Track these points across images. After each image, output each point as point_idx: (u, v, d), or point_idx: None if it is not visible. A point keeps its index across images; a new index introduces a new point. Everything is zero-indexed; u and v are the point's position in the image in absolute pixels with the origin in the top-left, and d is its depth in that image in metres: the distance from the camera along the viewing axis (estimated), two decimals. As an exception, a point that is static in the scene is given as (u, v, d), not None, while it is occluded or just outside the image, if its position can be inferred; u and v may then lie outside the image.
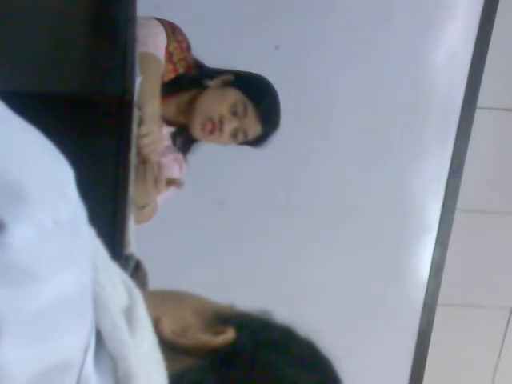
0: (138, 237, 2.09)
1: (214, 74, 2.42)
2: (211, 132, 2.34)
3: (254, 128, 2.39)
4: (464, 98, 3.51)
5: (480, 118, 3.55)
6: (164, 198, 2.38)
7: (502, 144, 3.64)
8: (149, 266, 2.10)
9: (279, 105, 2.47)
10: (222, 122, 2.33)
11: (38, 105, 0.84)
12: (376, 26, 3.39)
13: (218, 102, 2.34)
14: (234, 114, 2.34)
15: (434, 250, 3.80)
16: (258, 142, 2.48)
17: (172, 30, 2.28)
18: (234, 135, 2.38)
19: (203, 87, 2.37)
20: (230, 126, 2.34)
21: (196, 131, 2.36)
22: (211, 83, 2.37)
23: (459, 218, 3.75)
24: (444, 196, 3.71)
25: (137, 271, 1.94)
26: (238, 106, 2.34)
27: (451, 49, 3.46)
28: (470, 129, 3.56)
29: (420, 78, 3.51)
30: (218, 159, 2.77)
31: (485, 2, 3.38)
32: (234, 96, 2.35)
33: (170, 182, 2.20)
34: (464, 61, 3.47)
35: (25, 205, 0.57)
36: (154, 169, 2.08)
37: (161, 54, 2.21)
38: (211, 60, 2.46)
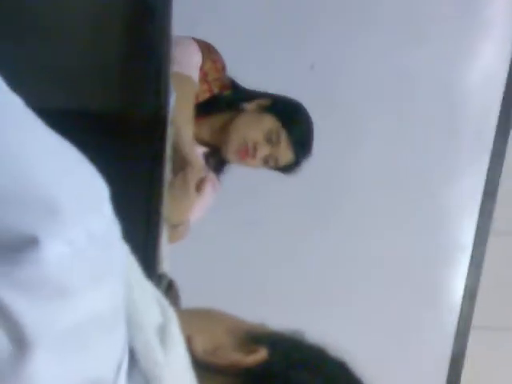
0: (170, 257, 2.10)
1: (250, 96, 2.42)
2: (243, 157, 2.34)
3: (286, 155, 2.39)
4: (499, 119, 3.49)
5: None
6: (197, 215, 2.38)
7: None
8: (180, 285, 2.11)
9: (313, 133, 2.46)
10: (255, 149, 2.33)
11: (72, 122, 0.85)
12: (409, 47, 3.39)
13: (254, 128, 2.33)
14: (268, 140, 2.34)
15: (468, 272, 3.76)
16: (289, 169, 2.47)
17: (207, 49, 2.29)
18: (265, 161, 2.38)
19: (238, 110, 2.37)
20: (262, 152, 2.34)
21: (229, 154, 2.36)
22: (248, 107, 2.37)
23: (493, 240, 3.71)
24: (478, 218, 3.68)
25: (169, 290, 1.94)
26: (273, 133, 2.33)
27: (485, 70, 3.45)
28: (505, 150, 3.53)
29: (454, 100, 3.49)
30: (248, 180, 2.76)
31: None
32: (269, 123, 2.34)
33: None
34: (498, 82, 3.44)
35: (59, 220, 0.58)
36: (196, 173, 2.07)
37: (195, 73, 2.21)
38: (245, 79, 2.46)
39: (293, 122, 2.39)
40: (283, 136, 2.34)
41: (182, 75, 2.13)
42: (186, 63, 2.17)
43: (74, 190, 0.61)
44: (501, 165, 3.56)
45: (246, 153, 2.33)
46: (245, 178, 2.65)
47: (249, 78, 2.44)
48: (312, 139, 2.47)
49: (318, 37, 3.32)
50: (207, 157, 2.46)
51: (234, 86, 2.46)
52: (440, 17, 3.38)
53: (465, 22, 3.40)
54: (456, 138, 3.55)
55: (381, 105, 3.45)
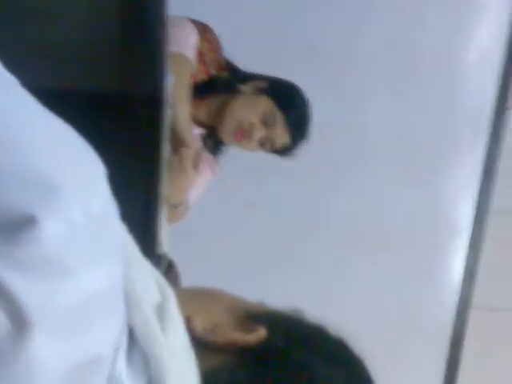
0: (170, 237, 2.10)
1: (247, 78, 2.42)
2: (240, 139, 2.34)
3: (282, 138, 2.39)
4: (496, 99, 3.48)
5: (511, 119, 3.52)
6: (196, 195, 2.38)
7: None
8: (180, 266, 2.11)
9: (310, 116, 2.46)
10: (251, 131, 2.33)
11: (69, 102, 0.85)
12: (407, 25, 3.38)
13: (250, 110, 2.34)
14: (264, 123, 2.34)
15: (467, 252, 3.77)
16: (285, 151, 2.48)
17: (203, 30, 2.29)
18: (261, 144, 2.38)
19: (235, 92, 2.36)
20: (258, 134, 2.35)
21: (225, 136, 2.36)
22: (244, 88, 2.37)
23: (492, 221, 3.71)
24: (477, 198, 3.68)
25: (169, 271, 1.94)
26: (269, 115, 2.34)
27: (482, 50, 3.44)
28: (504, 130, 3.53)
29: (452, 79, 3.49)
30: (247, 161, 2.76)
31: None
32: (265, 105, 2.34)
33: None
34: (495, 62, 3.44)
35: (56, 199, 0.58)
36: (193, 153, 2.08)
37: (192, 53, 2.21)
38: (242, 60, 2.45)
39: (289, 104, 2.39)
40: (279, 118, 2.35)
41: (179, 55, 2.13)
42: (183, 43, 2.17)
43: (71, 169, 0.61)
44: (499, 144, 3.56)
45: (242, 135, 2.33)
46: (244, 159, 2.65)
47: (246, 59, 2.43)
48: (309, 122, 2.47)
49: (316, 17, 3.31)
50: (204, 138, 2.46)
51: (230, 67, 2.46)
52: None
53: (462, 3, 3.39)
54: (453, 118, 3.55)
55: (379, 86, 3.45)
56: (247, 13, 3.28)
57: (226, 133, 2.35)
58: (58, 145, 0.62)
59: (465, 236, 3.74)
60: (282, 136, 2.38)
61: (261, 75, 2.45)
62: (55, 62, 1.35)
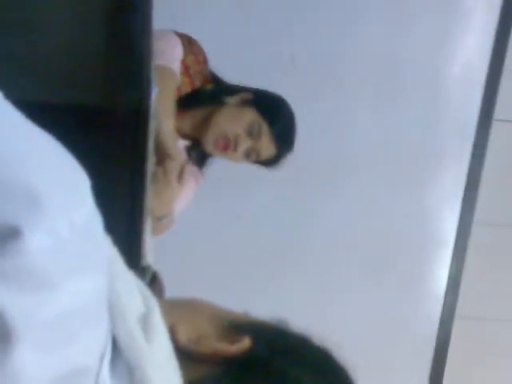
0: (154, 249, 2.10)
1: (232, 90, 2.42)
2: (225, 149, 2.34)
3: (268, 149, 2.40)
4: (481, 110, 3.50)
5: (497, 130, 3.53)
6: (180, 207, 2.38)
7: (518, 156, 3.63)
8: (165, 278, 2.11)
9: (295, 128, 2.47)
10: (236, 142, 2.33)
11: (54, 115, 0.85)
12: (392, 36, 3.39)
13: (235, 121, 2.34)
14: (249, 134, 2.34)
15: (451, 263, 3.78)
16: (271, 162, 2.48)
17: (189, 42, 2.29)
18: (246, 155, 2.38)
19: (220, 104, 2.37)
20: (244, 145, 2.34)
21: (209, 147, 2.36)
22: (229, 100, 2.37)
23: (476, 232, 3.73)
24: (461, 209, 3.69)
25: (153, 282, 1.94)
26: (254, 126, 2.34)
27: (467, 61, 3.46)
28: (487, 141, 3.55)
29: (436, 91, 3.50)
30: (232, 174, 2.77)
31: (501, 13, 3.37)
32: (250, 116, 2.34)
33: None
34: (480, 73, 3.46)
35: (41, 211, 0.58)
36: (177, 165, 2.07)
37: (177, 66, 2.21)
38: (225, 71, 2.46)
39: (274, 115, 2.40)
40: (264, 129, 2.35)
41: (164, 68, 2.13)
42: (168, 56, 2.17)
43: (56, 180, 0.61)
44: (483, 156, 3.58)
45: (227, 146, 2.33)
46: (230, 171, 2.65)
47: (229, 71, 2.44)
48: (294, 134, 2.47)
49: (298, 28, 3.32)
50: (189, 150, 2.46)
51: (215, 80, 2.46)
52: (423, 7, 3.38)
53: (447, 13, 3.41)
54: (438, 128, 3.56)
55: (363, 97, 3.46)
56: (230, 25, 3.29)
57: (210, 144, 2.35)
58: (43, 157, 0.62)
59: (449, 246, 3.75)
60: (267, 147, 2.39)
61: (246, 87, 2.45)
62: (40, 74, 1.35)
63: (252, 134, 2.34)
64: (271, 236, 3.62)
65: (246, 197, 3.52)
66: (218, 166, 2.54)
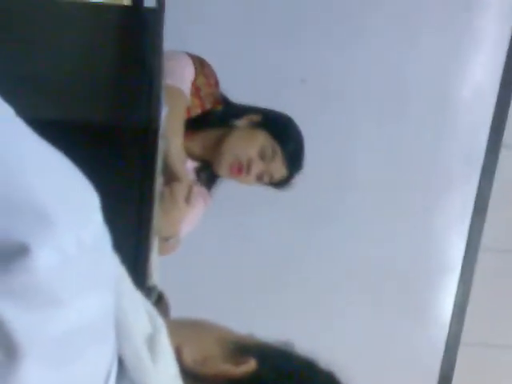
0: (160, 269, 2.10)
1: (241, 111, 2.42)
2: (238, 173, 2.34)
3: (280, 171, 2.39)
4: (489, 136, 3.50)
5: (505, 156, 3.53)
6: (188, 228, 2.37)
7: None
8: (171, 298, 2.10)
9: (303, 146, 2.47)
10: (249, 165, 2.32)
11: (64, 134, 0.85)
12: (402, 63, 3.40)
13: (247, 145, 2.33)
14: (262, 157, 2.34)
15: (457, 289, 3.77)
16: (281, 184, 2.48)
17: (200, 64, 2.29)
18: (259, 178, 2.38)
19: (230, 126, 2.37)
20: (257, 169, 2.34)
21: (222, 171, 2.36)
22: (238, 123, 2.37)
23: (483, 258, 3.72)
24: (468, 235, 3.68)
25: (159, 303, 1.94)
26: (267, 149, 2.34)
27: (476, 86, 3.46)
28: (495, 167, 3.54)
29: (445, 116, 3.50)
30: (242, 193, 2.77)
31: (511, 38, 3.37)
32: (263, 139, 2.34)
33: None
34: (489, 98, 3.46)
35: (49, 228, 0.58)
36: (185, 187, 2.07)
37: (187, 87, 2.22)
38: (236, 92, 2.46)
39: (285, 136, 2.40)
40: (278, 151, 2.35)
41: (174, 88, 2.13)
42: (179, 77, 2.18)
43: (65, 198, 0.61)
44: (491, 182, 3.57)
45: (240, 170, 2.33)
46: (237, 192, 2.65)
47: (240, 92, 2.44)
48: (303, 153, 2.47)
49: (309, 50, 3.33)
50: (198, 171, 2.46)
51: (225, 101, 2.47)
52: (432, 29, 3.39)
53: (457, 38, 3.41)
54: (446, 154, 3.56)
55: (371, 120, 3.46)
56: (241, 46, 3.30)
57: (222, 167, 2.34)
58: (53, 174, 0.62)
59: (455, 272, 3.74)
60: (280, 169, 2.38)
61: (254, 107, 2.45)
62: (51, 93, 1.35)
63: (265, 157, 2.34)
64: (277, 256, 3.62)
65: (251, 217, 3.51)
66: (224, 186, 2.54)
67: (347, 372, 0.89)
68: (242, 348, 0.84)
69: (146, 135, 1.38)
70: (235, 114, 2.40)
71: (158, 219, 1.73)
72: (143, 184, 1.41)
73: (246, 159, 2.32)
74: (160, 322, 0.75)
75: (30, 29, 1.37)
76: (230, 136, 2.34)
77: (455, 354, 3.86)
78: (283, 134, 2.39)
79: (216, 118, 2.39)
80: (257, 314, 3.44)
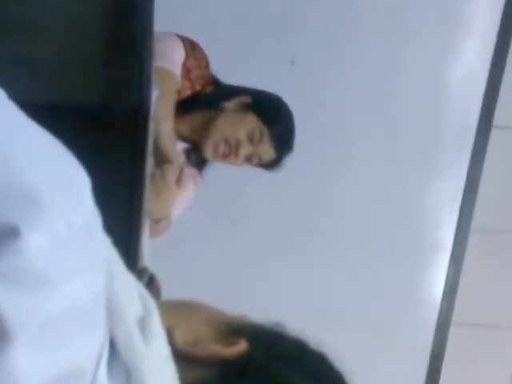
0: (152, 251, 2.10)
1: (231, 93, 2.42)
2: (227, 156, 2.34)
3: (268, 153, 2.40)
4: (480, 117, 3.50)
5: (495, 137, 3.53)
6: (179, 210, 2.37)
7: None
8: (162, 280, 2.10)
9: (294, 128, 2.47)
10: (237, 148, 2.33)
11: (53, 116, 0.84)
12: (392, 44, 3.40)
13: (236, 127, 2.34)
14: (250, 140, 2.34)
15: (448, 269, 3.78)
16: (271, 165, 2.48)
17: (191, 46, 2.29)
18: (248, 160, 2.39)
19: (219, 108, 2.37)
20: (245, 151, 2.35)
21: (208, 153, 2.36)
22: (228, 105, 2.37)
23: (473, 238, 3.73)
24: (458, 215, 3.69)
25: (150, 285, 1.94)
26: (255, 132, 2.34)
27: (467, 68, 3.46)
28: (486, 148, 3.55)
29: (435, 97, 3.50)
30: (232, 176, 2.77)
31: (501, 22, 3.37)
32: (251, 122, 2.34)
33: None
34: (480, 80, 3.46)
35: (39, 211, 0.58)
36: (176, 169, 2.07)
37: (178, 69, 2.21)
38: (226, 74, 2.46)
39: (274, 118, 2.40)
40: (265, 134, 2.35)
41: (164, 70, 2.13)
42: (169, 58, 2.17)
43: (55, 180, 0.61)
44: (481, 163, 3.58)
45: (229, 151, 2.33)
46: (228, 175, 2.65)
47: (230, 74, 2.44)
48: (293, 135, 2.48)
49: (299, 32, 3.32)
50: (188, 153, 2.46)
51: (215, 82, 2.46)
52: (422, 11, 3.39)
53: (448, 21, 3.41)
54: (437, 135, 3.56)
55: (361, 101, 3.46)
56: (231, 28, 3.29)
57: (209, 149, 2.35)
58: (43, 157, 0.62)
59: (446, 252, 3.75)
60: (268, 151, 2.39)
61: (245, 88, 2.45)
62: (41, 75, 1.35)
63: (253, 139, 2.34)
64: (268, 238, 3.62)
65: (243, 199, 3.51)
66: (216, 168, 2.54)
67: (338, 352, 0.89)
68: (234, 329, 0.84)
69: (137, 117, 1.37)
70: (225, 95, 2.40)
71: (149, 201, 1.73)
72: (134, 166, 1.41)
73: (235, 142, 2.33)
74: (151, 303, 0.75)
75: (19, 12, 1.36)
76: (218, 118, 2.34)
77: (446, 333, 3.88)
78: (272, 116, 2.40)
79: (206, 99, 2.39)
80: (248, 293, 3.45)
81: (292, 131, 2.47)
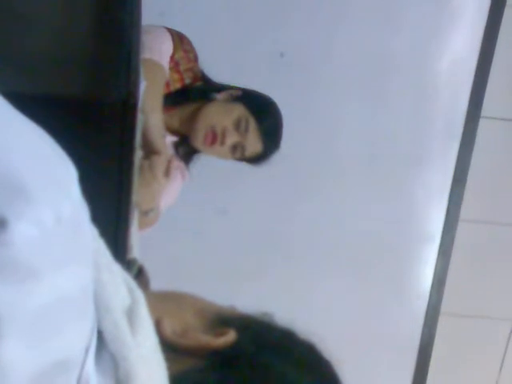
0: (140, 243, 2.10)
1: (221, 88, 2.43)
2: (212, 143, 2.34)
3: (254, 145, 2.40)
4: (468, 108, 3.51)
5: (484, 128, 3.54)
6: (167, 202, 2.38)
7: (505, 154, 3.63)
8: (151, 272, 2.11)
9: (282, 126, 2.48)
10: (224, 135, 2.33)
11: (41, 108, 0.84)
12: (381, 33, 3.40)
13: (223, 115, 2.34)
14: (237, 128, 2.34)
15: (437, 259, 3.79)
16: (256, 160, 2.48)
17: (180, 39, 2.29)
18: (233, 150, 2.39)
19: (209, 100, 2.37)
20: (231, 139, 2.35)
21: (197, 142, 2.36)
22: (218, 96, 2.37)
23: (462, 228, 3.74)
24: (447, 206, 3.70)
25: (139, 276, 1.94)
26: (242, 121, 2.34)
27: (455, 58, 3.46)
28: (474, 138, 3.56)
29: (424, 87, 3.51)
30: (219, 169, 2.77)
31: (490, 10, 3.37)
32: (238, 111, 2.35)
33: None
34: (468, 70, 3.46)
35: (27, 202, 0.57)
36: (164, 160, 2.07)
37: (165, 61, 2.21)
38: (215, 68, 2.46)
39: (262, 112, 2.41)
40: (252, 124, 2.35)
41: (152, 61, 2.13)
42: (157, 50, 2.17)
43: (42, 171, 0.61)
44: (470, 153, 3.59)
45: (215, 139, 2.33)
46: (216, 167, 2.65)
47: (218, 68, 2.44)
48: (281, 132, 2.48)
49: (289, 25, 3.32)
50: (176, 145, 2.46)
51: (205, 78, 2.46)
52: (412, 5, 3.39)
53: (436, 9, 3.41)
54: (425, 125, 3.57)
55: (351, 93, 3.46)
56: (220, 20, 3.28)
57: (198, 138, 2.35)
58: (30, 147, 0.62)
59: (435, 243, 3.76)
60: (254, 143, 2.39)
61: (235, 87, 2.46)
62: (28, 66, 1.35)
63: (239, 128, 2.34)
64: (257, 230, 3.62)
65: (232, 191, 3.52)
66: (205, 160, 2.54)
67: (327, 343, 0.89)
68: (222, 320, 0.85)
69: (125, 109, 1.37)
70: (215, 89, 2.41)
71: (138, 193, 1.73)
72: (122, 158, 1.41)
73: (221, 129, 2.33)
74: (139, 294, 0.75)
75: (5, 3, 1.36)
76: (206, 107, 2.35)
77: (435, 323, 3.89)
78: (261, 109, 2.41)
79: (196, 92, 2.39)
80: (237, 285, 3.45)
81: (280, 128, 2.48)
